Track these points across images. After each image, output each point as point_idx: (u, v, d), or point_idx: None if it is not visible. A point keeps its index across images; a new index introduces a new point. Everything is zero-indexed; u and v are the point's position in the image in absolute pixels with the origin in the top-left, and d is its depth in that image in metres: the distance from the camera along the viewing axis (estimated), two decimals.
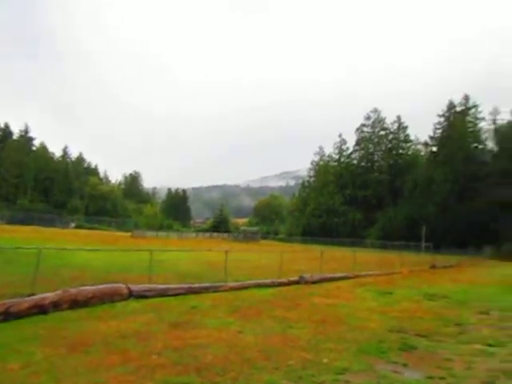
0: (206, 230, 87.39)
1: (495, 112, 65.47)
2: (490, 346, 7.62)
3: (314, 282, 15.40)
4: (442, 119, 71.28)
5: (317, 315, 9.47)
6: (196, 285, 12.09)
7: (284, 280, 14.72)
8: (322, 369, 5.75)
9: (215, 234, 75.39)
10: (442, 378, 5.64)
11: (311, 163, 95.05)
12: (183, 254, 24.97)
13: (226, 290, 12.29)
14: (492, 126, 65.70)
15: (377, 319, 9.37)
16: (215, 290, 12.15)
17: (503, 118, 64.36)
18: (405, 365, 6.19)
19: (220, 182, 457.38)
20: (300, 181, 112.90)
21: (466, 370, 6.12)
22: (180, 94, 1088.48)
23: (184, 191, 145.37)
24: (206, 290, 11.97)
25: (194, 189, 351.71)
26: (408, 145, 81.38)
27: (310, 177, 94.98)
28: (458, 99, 70.38)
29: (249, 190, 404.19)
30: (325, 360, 6.15)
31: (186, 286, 11.76)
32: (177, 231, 79.47)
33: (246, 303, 10.56)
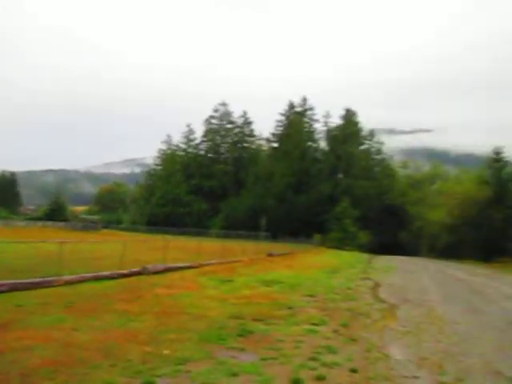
0: (39, 219, 79.27)
1: (327, 115, 73.32)
2: (315, 325, 8.52)
3: (157, 273, 15.20)
4: (283, 118, 76.91)
5: (159, 306, 9.37)
6: (23, 280, 10.85)
7: (125, 271, 14.18)
8: (163, 361, 5.71)
9: (49, 223, 68.89)
10: (274, 359, 6.11)
11: (158, 151, 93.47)
12: (10, 246, 22.21)
13: (60, 285, 11.31)
14: (324, 128, 73.51)
15: (218, 307, 9.69)
16: (48, 285, 11.08)
17: (333, 122, 72.46)
18: (242, 349, 6.53)
19: (57, 166, 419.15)
20: (146, 169, 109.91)
21: (295, 348, 6.74)
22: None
23: (13, 174, 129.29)
24: (36, 285, 10.83)
25: (26, 172, 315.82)
26: (252, 139, 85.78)
27: (157, 165, 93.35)
28: (297, 101, 76.83)
29: (90, 176, 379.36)
30: (166, 352, 6.12)
31: (9, 282, 10.45)
32: (3, 219, 70.38)
33: (83, 298, 9.89)
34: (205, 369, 5.48)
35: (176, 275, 15.30)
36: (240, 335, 7.33)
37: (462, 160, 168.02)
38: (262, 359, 6.06)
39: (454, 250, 46.25)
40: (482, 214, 40.52)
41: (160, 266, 16.01)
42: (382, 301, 12.65)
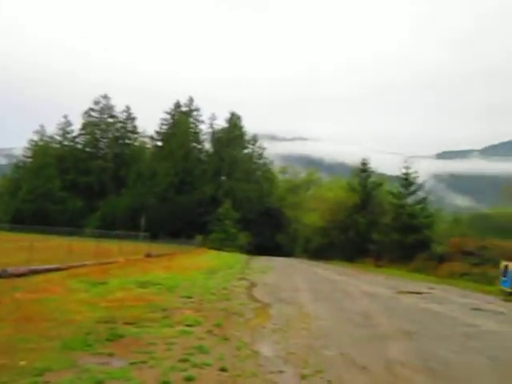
0: None
1: (213, 117, 74.02)
2: (189, 326, 8.53)
3: (20, 276, 13.83)
4: (168, 116, 75.61)
5: (19, 312, 8.53)
6: None
7: None
8: (18, 373, 5.21)
9: None
10: (144, 362, 5.97)
11: (29, 142, 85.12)
12: None
13: None
14: (210, 130, 74.02)
15: (86, 311, 9.15)
16: None
17: (218, 124, 73.37)
18: (110, 354, 6.25)
19: None
20: (14, 160, 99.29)
21: (166, 351, 6.66)
22: None
23: None
24: None
25: None
26: (135, 136, 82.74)
27: (26, 157, 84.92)
28: (184, 100, 76.16)
29: None
30: (22, 362, 5.59)
31: None
32: None
33: None
34: (66, 378, 5.12)
35: (42, 278, 14.08)
36: (109, 340, 7.01)
37: (335, 168, 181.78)
38: (131, 364, 5.88)
39: (325, 251, 49.99)
40: (349, 219, 44.40)
41: (23, 269, 14.59)
42: (257, 300, 13.14)
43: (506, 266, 19.39)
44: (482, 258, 27.53)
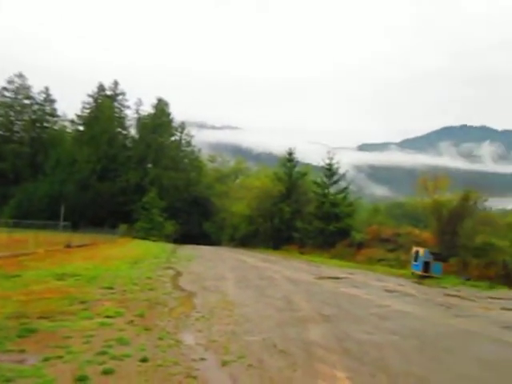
0: None
1: (139, 103, 71.53)
2: (109, 317, 8.28)
3: None
4: (91, 100, 71.87)
5: None
6: None
7: None
8: None
9: None
10: (58, 357, 5.71)
11: None
12: None
13: None
14: (136, 115, 71.47)
15: None
16: None
17: (145, 110, 71.05)
18: (22, 351, 5.92)
19: None
20: None
21: (84, 344, 6.43)
22: None
23: None
24: None
25: None
26: (55, 119, 77.75)
27: None
28: (108, 83, 72.77)
29: None
30: None
31: None
32: None
33: None
34: None
35: None
36: (20, 336, 6.61)
37: (263, 158, 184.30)
38: (45, 360, 5.60)
39: (251, 238, 50.76)
40: (275, 207, 45.38)
41: None
42: (181, 289, 13.06)
43: (417, 252, 20.95)
44: (396, 244, 29.50)
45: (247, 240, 52.08)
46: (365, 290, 15.79)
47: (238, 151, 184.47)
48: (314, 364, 6.42)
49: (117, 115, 71.03)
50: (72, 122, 74.25)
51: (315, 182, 42.99)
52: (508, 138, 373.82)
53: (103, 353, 6.04)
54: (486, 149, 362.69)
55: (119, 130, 70.83)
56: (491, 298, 15.07)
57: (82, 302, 9.58)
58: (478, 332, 9.42)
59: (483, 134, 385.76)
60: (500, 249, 21.99)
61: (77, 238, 32.27)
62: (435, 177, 27.92)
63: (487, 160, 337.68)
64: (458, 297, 14.97)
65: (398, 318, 10.76)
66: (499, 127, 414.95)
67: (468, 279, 19.80)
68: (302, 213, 43.39)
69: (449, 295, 15.34)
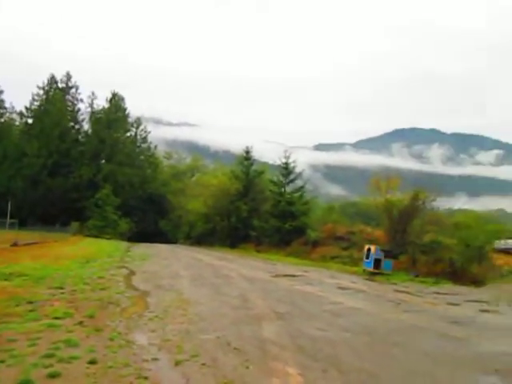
0: None
1: (93, 96, 69.18)
2: (57, 318, 7.98)
3: None
4: (41, 92, 68.88)
5: None
6: None
7: None
8: None
9: None
10: (1, 362, 5.45)
11: None
12: None
13: None
14: (89, 109, 69.10)
15: None
16: None
17: (99, 104, 68.82)
18: None
19: None
20: None
21: (29, 347, 6.16)
22: None
23: None
24: None
25: None
26: (1, 111, 73.96)
27: None
28: (60, 76, 69.89)
29: None
30: None
31: None
32: None
33: None
34: None
35: None
36: None
37: (220, 155, 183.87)
38: None
39: (208, 237, 50.45)
40: (231, 205, 45.31)
41: None
42: (135, 288, 12.80)
43: (369, 249, 21.57)
44: (350, 242, 30.22)
45: (204, 238, 51.75)
46: (319, 287, 16.07)
47: (195, 148, 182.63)
48: (267, 361, 6.46)
49: (69, 109, 68.47)
50: (20, 114, 70.88)
51: (272, 181, 43.30)
52: (456, 141, 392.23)
53: (50, 355, 5.82)
54: (436, 151, 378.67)
55: (72, 124, 68.31)
56: (437, 293, 15.74)
57: (30, 303, 9.19)
58: (425, 327, 9.81)
59: (433, 136, 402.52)
60: (447, 246, 23.00)
61: (25, 235, 30.97)
62: (387, 177, 28.83)
63: (436, 161, 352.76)
64: (407, 293, 15.54)
65: (350, 314, 11.03)
66: (448, 130, 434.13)
67: (416, 275, 20.58)
68: (258, 211, 43.60)
69: (398, 291, 15.89)
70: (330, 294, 14.51)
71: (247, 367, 6.11)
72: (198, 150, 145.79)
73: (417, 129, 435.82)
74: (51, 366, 5.44)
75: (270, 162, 56.93)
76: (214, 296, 12.45)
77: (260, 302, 12.02)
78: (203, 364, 6.08)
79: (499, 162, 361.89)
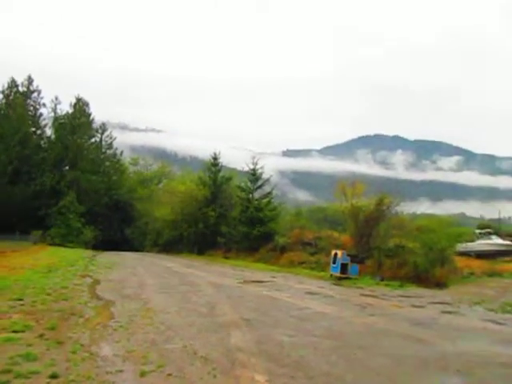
0: None
1: (56, 101, 67.32)
2: (16, 332, 7.67)
3: None
4: (0, 96, 66.52)
5: None
6: None
7: None
8: None
9: None
10: None
11: None
12: None
13: None
14: (52, 114, 67.19)
15: None
16: None
17: (62, 109, 67.04)
18: None
19: None
20: None
21: None
22: None
23: None
24: None
25: None
26: None
27: None
28: (21, 79, 67.66)
29: None
30: None
31: None
32: None
33: None
34: None
35: None
36: None
37: (188, 162, 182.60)
38: None
39: (175, 244, 49.87)
40: (199, 212, 44.97)
41: None
42: (99, 298, 12.47)
43: (336, 254, 21.85)
44: (317, 248, 30.52)
45: (171, 245, 51.12)
46: (287, 292, 16.13)
47: (162, 155, 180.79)
48: (234, 369, 6.41)
49: (31, 113, 66.42)
50: None
51: (239, 187, 43.29)
52: (419, 147, 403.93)
53: (7, 371, 5.58)
54: (399, 157, 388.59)
55: (33, 129, 66.23)
56: (402, 296, 16.08)
57: None
58: (391, 330, 9.99)
59: (396, 143, 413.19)
60: (411, 250, 23.57)
61: None
62: (353, 183, 29.38)
63: (400, 167, 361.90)
64: (373, 296, 15.80)
65: (317, 319, 11.10)
66: (411, 137, 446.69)
67: (382, 279, 20.97)
68: (226, 218, 43.46)
69: (364, 295, 16.14)
70: (298, 299, 14.58)
71: (214, 376, 6.04)
72: (165, 156, 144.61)
73: (381, 136, 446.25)
74: (9, 382, 5.22)
75: (238, 168, 56.99)
76: (180, 304, 12.27)
77: (228, 309, 11.95)
78: (169, 374, 5.98)
79: (460, 167, 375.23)
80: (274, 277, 22.19)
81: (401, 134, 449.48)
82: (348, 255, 21.87)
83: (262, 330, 9.38)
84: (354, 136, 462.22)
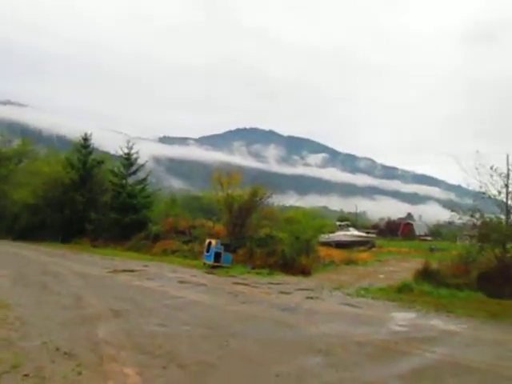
0: None
1: None
2: None
3: None
4: None
5: None
6: None
7: None
8: None
9: None
10: None
11: None
12: None
13: None
14: None
15: None
16: None
17: None
18: None
19: None
20: None
21: None
22: None
23: None
24: None
25: None
26: None
27: None
28: None
29: None
30: None
31: None
32: None
33: None
34: None
35: None
36: None
37: (54, 141, 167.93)
38: None
39: (36, 231, 45.30)
40: (65, 196, 41.56)
41: None
42: None
43: (210, 243, 22.01)
44: (191, 236, 30.45)
45: (31, 232, 46.30)
46: (159, 281, 15.79)
47: (25, 131, 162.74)
48: (102, 364, 6.05)
49: None
50: None
51: (112, 171, 40.98)
52: (291, 143, 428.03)
53: None
54: (272, 151, 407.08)
55: None
56: (271, 283, 16.82)
57: None
58: (260, 316, 10.38)
59: (271, 137, 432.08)
60: (280, 240, 24.83)
61: None
62: (229, 173, 29.83)
63: (272, 161, 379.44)
64: (245, 284, 16.27)
65: (190, 308, 11.06)
66: (285, 133, 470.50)
67: (253, 268, 21.72)
68: (96, 203, 40.85)
69: (237, 283, 16.54)
70: (171, 288, 14.37)
71: (79, 373, 5.61)
72: (27, 134, 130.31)
73: (257, 129, 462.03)
74: None
75: (112, 152, 53.98)
76: (40, 297, 11.23)
77: (95, 300, 11.28)
78: (26, 375, 5.39)
79: (325, 164, 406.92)
80: (146, 266, 21.54)
81: (275, 130, 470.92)
82: (222, 244, 22.19)
83: (132, 320, 9.03)
84: (232, 128, 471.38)
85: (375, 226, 79.28)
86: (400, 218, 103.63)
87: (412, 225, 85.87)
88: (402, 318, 10.84)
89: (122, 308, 10.28)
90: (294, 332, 8.86)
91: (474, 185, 16.65)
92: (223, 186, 27.98)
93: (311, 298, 13.48)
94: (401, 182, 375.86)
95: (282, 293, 14.32)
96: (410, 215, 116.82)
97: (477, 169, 16.12)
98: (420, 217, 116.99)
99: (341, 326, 9.60)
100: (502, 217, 16.84)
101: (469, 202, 17.79)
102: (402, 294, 14.60)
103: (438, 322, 10.52)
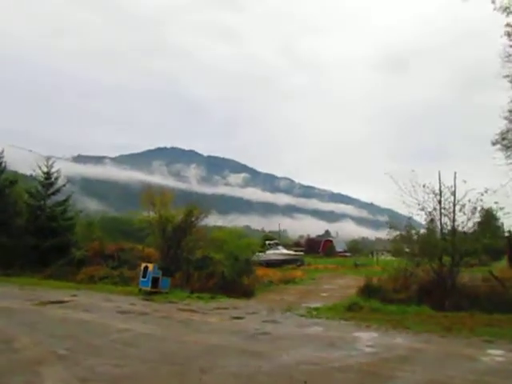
0: None
1: None
2: None
3: None
4: None
5: None
6: None
7: None
8: None
9: None
10: None
11: None
12: None
13: None
14: None
15: None
16: None
17: None
18: None
19: None
20: None
21: None
22: None
23: None
24: None
25: None
26: None
27: None
28: None
29: None
30: None
31: None
32: None
33: None
34: None
35: None
36: None
37: None
38: None
39: None
40: None
41: None
42: None
43: (146, 267, 20.62)
44: (119, 261, 28.53)
45: None
46: (97, 313, 14.28)
47: None
48: None
49: None
50: None
51: (29, 192, 37.37)
52: (211, 163, 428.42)
53: None
54: (193, 171, 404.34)
55: None
56: (218, 308, 15.92)
57: None
58: (224, 346, 9.60)
59: (191, 157, 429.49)
60: (218, 261, 24.03)
61: None
62: (161, 193, 28.49)
63: (193, 180, 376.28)
64: (191, 311, 15.22)
65: (142, 342, 10.01)
66: (205, 153, 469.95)
67: (192, 292, 20.63)
68: (10, 227, 36.94)
69: (182, 310, 15.47)
70: (112, 320, 13.01)
71: None
72: None
73: (177, 149, 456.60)
74: None
75: (21, 171, 49.74)
76: None
77: (28, 340, 9.81)
78: None
79: (245, 184, 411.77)
80: (74, 295, 19.52)
81: (196, 149, 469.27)
82: (159, 268, 20.93)
83: (82, 363, 7.88)
84: (152, 147, 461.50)
85: (297, 244, 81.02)
86: (319, 236, 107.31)
87: (332, 241, 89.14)
88: (366, 338, 10.64)
89: (64, 347, 9.01)
90: (268, 362, 8.24)
91: (387, 202, 17.37)
92: (155, 206, 26.65)
93: (267, 321, 12.91)
94: (318, 200, 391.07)
95: (234, 318, 13.58)
96: (327, 232, 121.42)
97: (413, 186, 16.90)
98: (337, 233, 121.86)
99: (312, 351, 9.17)
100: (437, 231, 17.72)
101: (381, 218, 18.54)
102: (352, 312, 14.55)
103: (402, 340, 10.48)
